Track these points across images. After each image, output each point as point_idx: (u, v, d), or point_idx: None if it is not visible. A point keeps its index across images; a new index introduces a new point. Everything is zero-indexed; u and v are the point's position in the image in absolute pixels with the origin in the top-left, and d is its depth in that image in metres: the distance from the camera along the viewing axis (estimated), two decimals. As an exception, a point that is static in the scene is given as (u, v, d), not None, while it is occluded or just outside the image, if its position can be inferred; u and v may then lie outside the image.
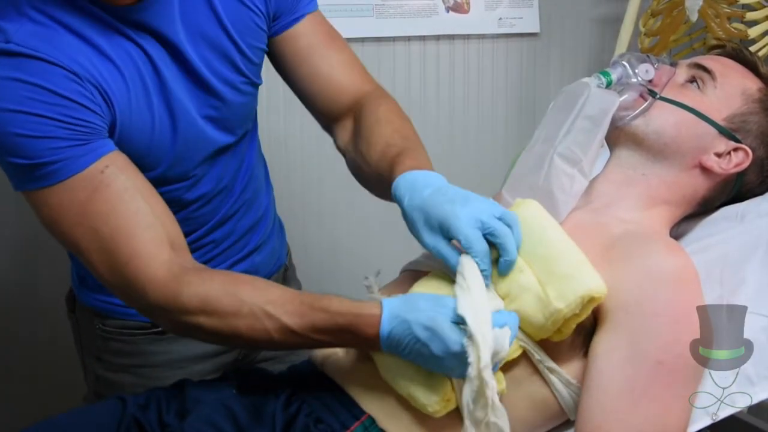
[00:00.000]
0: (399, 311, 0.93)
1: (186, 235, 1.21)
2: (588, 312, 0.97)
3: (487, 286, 0.96)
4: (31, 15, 0.97)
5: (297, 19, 1.20)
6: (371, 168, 1.13)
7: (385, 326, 0.93)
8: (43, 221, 1.02)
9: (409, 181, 1.02)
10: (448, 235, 0.97)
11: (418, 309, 0.92)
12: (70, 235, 1.00)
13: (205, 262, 1.26)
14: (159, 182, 1.11)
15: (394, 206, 1.05)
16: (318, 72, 1.21)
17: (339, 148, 1.24)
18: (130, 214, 0.99)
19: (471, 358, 0.89)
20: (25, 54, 0.95)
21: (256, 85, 1.20)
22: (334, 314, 0.95)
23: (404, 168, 1.04)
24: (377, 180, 1.11)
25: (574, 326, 0.98)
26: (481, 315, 0.90)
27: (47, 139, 0.96)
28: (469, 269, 0.94)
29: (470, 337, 0.89)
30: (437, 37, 2.10)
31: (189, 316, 0.98)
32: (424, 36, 2.08)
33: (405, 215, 1.02)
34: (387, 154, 1.09)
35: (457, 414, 0.99)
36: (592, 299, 0.96)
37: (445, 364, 0.93)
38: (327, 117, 1.25)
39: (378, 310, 0.94)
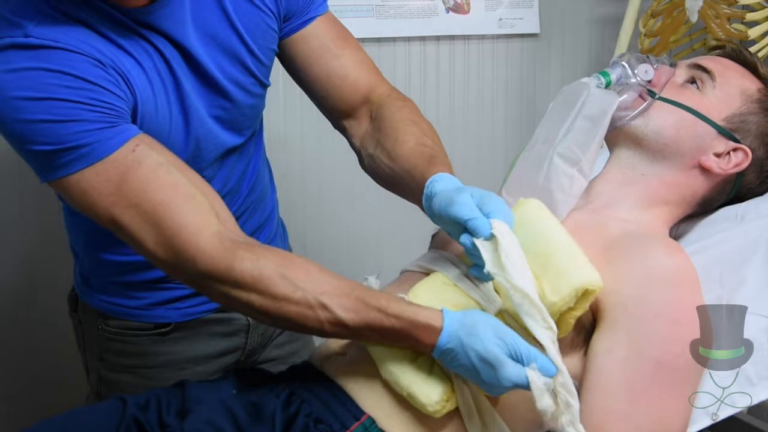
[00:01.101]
0: (459, 332, 0.94)
1: None
2: (584, 306, 0.97)
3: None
4: (49, 13, 0.97)
5: (308, 21, 1.20)
6: (397, 163, 1.13)
7: (443, 341, 0.94)
8: (78, 206, 1.00)
9: (455, 183, 1.04)
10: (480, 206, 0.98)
11: (477, 335, 0.93)
12: (108, 215, 0.98)
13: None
14: None
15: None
16: (330, 72, 1.21)
17: (352, 145, 1.24)
18: (169, 186, 0.98)
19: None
20: (46, 45, 0.95)
21: (265, 87, 1.20)
22: (391, 316, 0.96)
23: (446, 171, 1.06)
24: (402, 174, 1.11)
25: (572, 322, 0.98)
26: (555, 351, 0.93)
27: (75, 122, 0.95)
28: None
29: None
30: (437, 38, 2.10)
31: (240, 291, 0.97)
32: (424, 36, 2.08)
33: (441, 191, 1.02)
34: (421, 153, 1.10)
35: (456, 414, 0.99)
36: (587, 292, 0.96)
37: (491, 387, 0.94)
38: (339, 115, 1.24)
39: (438, 322, 0.95)
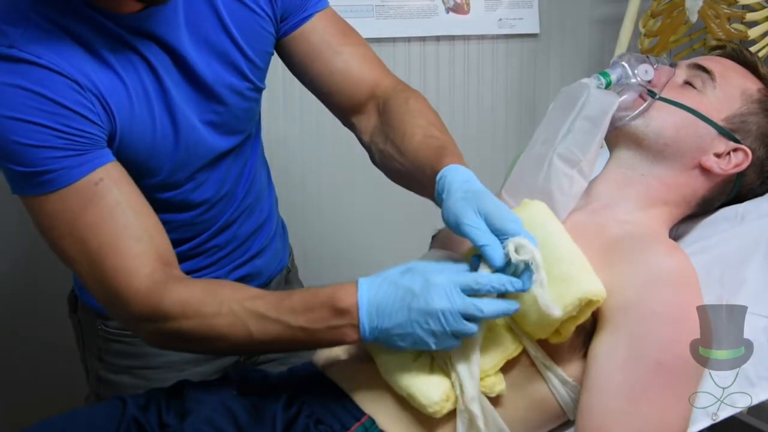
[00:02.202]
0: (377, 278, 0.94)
1: (189, 240, 1.21)
2: (586, 315, 0.97)
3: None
4: (35, 21, 0.97)
5: (307, 18, 1.19)
6: (407, 158, 1.11)
7: (363, 293, 0.93)
8: (37, 227, 1.02)
9: (465, 175, 1.01)
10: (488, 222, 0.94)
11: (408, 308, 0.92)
12: (60, 244, 1.00)
13: (207, 266, 1.26)
14: (162, 187, 1.11)
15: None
16: (333, 68, 1.20)
17: (362, 141, 1.22)
18: (119, 228, 0.99)
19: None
20: (27, 60, 0.95)
21: (260, 90, 1.20)
22: (311, 293, 0.96)
23: (456, 160, 1.03)
24: (413, 170, 1.10)
25: (573, 328, 0.98)
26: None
27: (44, 148, 0.96)
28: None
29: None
30: (437, 38, 2.10)
31: (170, 323, 0.98)
32: (424, 37, 2.08)
33: (452, 194, 0.98)
34: (429, 145, 1.08)
35: (456, 414, 0.99)
36: (589, 302, 0.96)
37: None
38: (346, 111, 1.23)
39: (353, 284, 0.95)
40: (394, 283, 0.93)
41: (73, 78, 0.97)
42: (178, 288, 0.99)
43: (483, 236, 0.92)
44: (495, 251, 0.91)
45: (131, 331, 1.05)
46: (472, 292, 0.91)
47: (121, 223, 0.99)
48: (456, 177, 1.00)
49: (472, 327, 0.91)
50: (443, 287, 0.91)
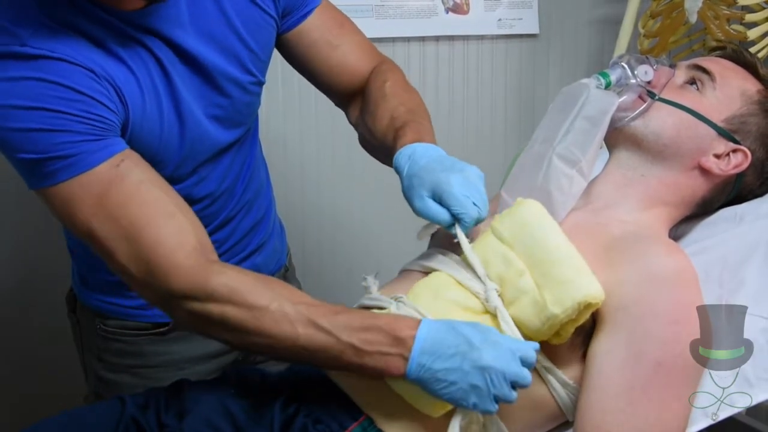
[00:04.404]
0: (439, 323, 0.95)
1: None
2: (585, 317, 0.98)
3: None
4: (46, 23, 0.97)
5: (307, 14, 1.21)
6: (377, 140, 1.17)
7: (423, 330, 0.93)
8: (59, 215, 1.01)
9: (409, 153, 1.06)
10: (440, 200, 1.02)
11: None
12: (86, 226, 0.98)
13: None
14: (167, 182, 1.11)
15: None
16: (332, 64, 1.24)
17: (351, 124, 1.28)
18: (150, 202, 0.98)
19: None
20: (42, 56, 0.95)
21: (262, 84, 1.21)
22: (371, 315, 0.97)
23: (405, 141, 1.08)
24: (383, 151, 1.15)
25: (572, 330, 0.98)
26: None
27: (64, 132, 0.95)
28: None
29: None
30: (437, 38, 2.10)
31: (214, 305, 0.95)
32: (423, 37, 2.08)
33: (403, 185, 1.06)
34: (391, 127, 1.13)
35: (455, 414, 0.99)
36: (588, 305, 0.96)
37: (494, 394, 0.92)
38: (342, 97, 1.28)
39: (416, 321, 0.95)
40: (454, 329, 0.93)
41: (88, 67, 0.97)
42: (227, 271, 0.97)
43: (438, 212, 1.02)
44: (442, 222, 1.02)
45: (164, 310, 1.01)
46: (525, 364, 0.92)
47: (150, 198, 0.98)
48: (403, 163, 1.06)
49: (513, 395, 0.92)
50: (503, 348, 0.92)
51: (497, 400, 0.92)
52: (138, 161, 1.01)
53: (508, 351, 0.91)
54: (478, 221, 1.02)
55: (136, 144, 1.04)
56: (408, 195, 1.05)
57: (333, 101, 1.31)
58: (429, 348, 0.92)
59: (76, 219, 0.98)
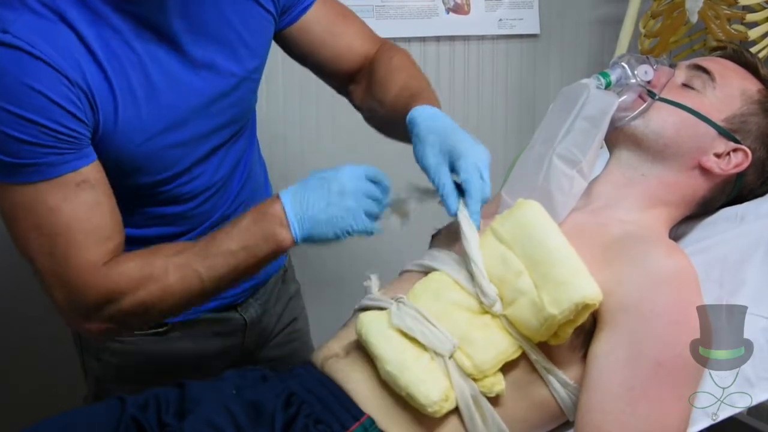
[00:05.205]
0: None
1: (185, 233, 1.21)
2: (583, 318, 0.98)
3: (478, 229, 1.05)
4: (31, 5, 0.97)
5: (307, 8, 1.22)
6: (386, 107, 1.19)
7: (286, 196, 1.02)
8: (3, 216, 1.02)
9: (430, 112, 1.09)
10: (452, 164, 1.04)
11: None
12: (24, 236, 1.01)
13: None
14: (155, 183, 1.11)
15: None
16: (337, 53, 1.26)
17: (355, 105, 1.31)
18: (91, 228, 1.01)
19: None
20: (22, 48, 0.95)
21: (257, 81, 1.20)
22: (239, 220, 1.04)
23: (425, 102, 1.11)
24: (391, 117, 1.18)
25: (570, 331, 0.98)
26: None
27: (31, 144, 0.96)
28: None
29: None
30: (437, 38, 2.10)
31: (127, 297, 1.01)
32: (424, 37, 2.08)
33: (417, 136, 1.08)
34: (403, 95, 1.16)
35: (455, 414, 0.99)
36: (586, 306, 0.96)
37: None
38: (345, 80, 1.30)
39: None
40: (310, 178, 1.04)
41: (63, 72, 0.97)
42: (115, 265, 1.01)
43: (447, 181, 1.04)
44: (449, 198, 1.04)
45: (89, 330, 1.06)
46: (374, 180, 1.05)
47: (94, 224, 1.01)
48: (420, 117, 1.08)
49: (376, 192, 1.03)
50: (351, 167, 1.04)
51: (369, 215, 1.03)
52: (97, 180, 1.02)
53: (355, 170, 1.04)
54: (484, 200, 1.04)
55: (113, 148, 1.04)
56: (421, 148, 1.07)
57: (334, 86, 1.33)
58: (298, 202, 1.02)
59: (18, 226, 1.01)
